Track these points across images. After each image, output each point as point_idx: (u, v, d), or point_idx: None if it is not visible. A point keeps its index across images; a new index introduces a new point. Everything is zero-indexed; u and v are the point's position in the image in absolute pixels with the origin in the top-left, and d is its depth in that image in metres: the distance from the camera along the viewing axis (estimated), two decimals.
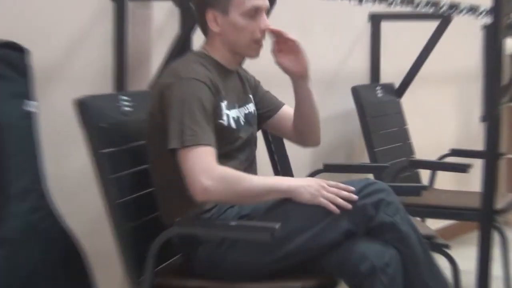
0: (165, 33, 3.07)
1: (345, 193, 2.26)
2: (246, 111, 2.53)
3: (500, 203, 3.46)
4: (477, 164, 4.16)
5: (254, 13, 2.41)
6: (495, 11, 2.15)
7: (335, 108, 3.97)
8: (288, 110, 2.68)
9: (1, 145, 2.45)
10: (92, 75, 2.88)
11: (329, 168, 3.48)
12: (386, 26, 4.19)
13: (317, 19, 3.80)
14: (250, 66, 2.71)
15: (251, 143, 2.56)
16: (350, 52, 4.08)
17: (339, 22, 3.95)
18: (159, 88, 2.36)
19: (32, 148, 2.55)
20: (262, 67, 2.79)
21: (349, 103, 3.86)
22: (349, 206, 2.24)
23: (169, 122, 2.26)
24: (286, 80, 2.59)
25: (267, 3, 2.45)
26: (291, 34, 2.50)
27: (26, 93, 2.54)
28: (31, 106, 2.55)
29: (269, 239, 2.12)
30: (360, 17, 4.11)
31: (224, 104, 2.39)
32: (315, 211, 2.27)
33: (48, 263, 2.53)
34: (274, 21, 3.19)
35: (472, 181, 4.60)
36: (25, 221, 2.49)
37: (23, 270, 2.45)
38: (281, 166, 2.99)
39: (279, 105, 2.69)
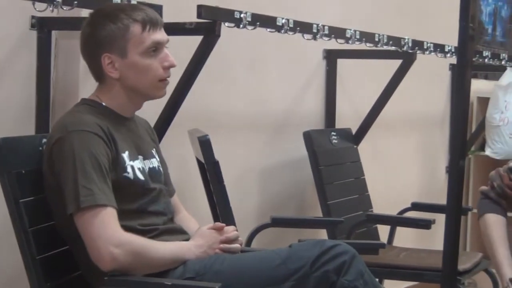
0: None
1: (230, 237, 2.46)
2: (150, 165, 2.51)
3: (465, 264, 3.49)
4: (441, 220, 4.18)
5: (155, 50, 2.42)
6: (462, 49, 2.14)
7: (285, 155, 3.96)
8: (176, 200, 2.70)
9: None
10: (12, 113, 2.84)
11: (278, 222, 3.46)
12: (343, 64, 4.21)
13: (268, 56, 3.82)
14: None
15: (167, 193, 2.57)
16: (303, 93, 4.08)
17: (291, 59, 3.96)
18: (47, 145, 2.35)
19: None
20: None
21: (301, 150, 3.85)
22: (238, 247, 2.47)
23: (62, 183, 2.26)
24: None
25: (166, 36, 2.46)
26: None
27: None
28: None
29: None
30: (314, 53, 4.12)
31: (125, 155, 2.38)
32: (269, 279, 2.27)
33: None
34: (220, 57, 3.18)
35: (435, 238, 4.64)
36: None
37: None
38: (224, 219, 2.92)
39: (172, 191, 2.69)
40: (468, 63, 2.13)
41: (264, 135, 3.85)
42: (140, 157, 2.46)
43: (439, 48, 4.37)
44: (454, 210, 2.22)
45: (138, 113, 2.57)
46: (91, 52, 2.44)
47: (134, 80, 2.42)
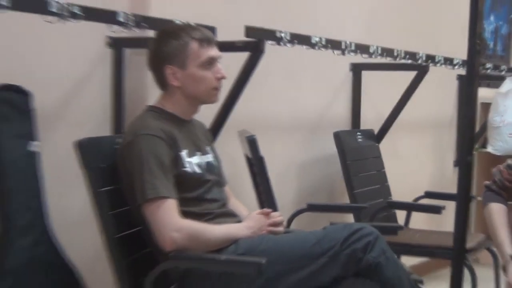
0: None
1: (276, 221, 2.45)
2: (207, 160, 2.51)
3: (470, 243, 3.45)
4: (450, 206, 4.14)
5: (210, 63, 2.43)
6: (469, 62, 2.12)
7: (318, 152, 3.95)
8: (228, 189, 2.67)
9: (6, 182, 2.44)
10: (92, 117, 2.86)
11: (312, 208, 3.48)
12: (366, 75, 4.19)
13: (303, 68, 3.81)
14: None
15: (221, 184, 2.57)
16: (333, 99, 4.07)
17: (324, 71, 3.95)
18: (120, 148, 2.37)
19: (35, 186, 2.53)
20: None
21: (332, 148, 3.84)
22: (280, 230, 2.44)
23: (132, 179, 2.28)
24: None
25: (219, 53, 2.47)
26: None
27: (29, 134, 2.54)
28: (34, 146, 2.54)
29: (255, 273, 2.17)
30: (343, 66, 4.11)
31: (184, 153, 2.39)
32: (306, 255, 2.27)
33: None
34: (265, 71, 3.18)
35: (445, 222, 4.58)
36: (28, 255, 2.46)
37: None
38: (268, 205, 2.92)
39: (224, 182, 2.66)
40: (476, 74, 2.11)
41: (300, 135, 3.85)
42: (198, 153, 2.47)
43: (449, 61, 4.34)
44: (463, 198, 2.20)
45: (195, 116, 2.58)
46: (156, 64, 2.46)
47: (192, 88, 2.44)
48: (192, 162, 2.41)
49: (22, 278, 2.41)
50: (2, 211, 2.44)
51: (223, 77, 2.47)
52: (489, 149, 4.91)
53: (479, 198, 4.80)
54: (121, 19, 2.67)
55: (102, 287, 2.71)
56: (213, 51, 2.44)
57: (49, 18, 2.44)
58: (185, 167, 2.37)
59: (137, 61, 2.91)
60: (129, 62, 2.92)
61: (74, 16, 2.48)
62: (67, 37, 2.69)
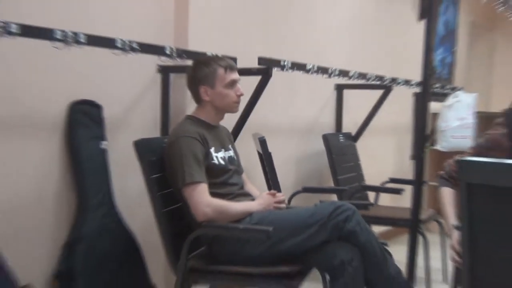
0: None
1: (279, 200, 2.44)
2: (229, 155, 2.49)
3: (423, 216, 3.45)
4: (408, 189, 4.13)
5: (232, 84, 2.42)
6: (423, 83, 2.12)
7: (311, 149, 3.94)
8: (244, 176, 2.64)
9: (84, 172, 2.47)
10: (146, 124, 2.86)
11: (306, 190, 3.47)
12: (346, 93, 4.18)
13: (300, 87, 3.80)
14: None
15: (239, 172, 2.55)
16: (322, 110, 4.06)
17: (315, 89, 3.94)
18: (166, 146, 2.36)
19: (105, 174, 2.56)
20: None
21: (321, 146, 3.83)
22: (283, 206, 2.45)
23: (174, 169, 2.28)
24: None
25: (239, 76, 2.46)
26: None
27: (101, 136, 2.56)
28: (104, 145, 2.56)
29: (265, 238, 2.16)
30: (329, 86, 4.10)
31: (212, 150, 2.38)
32: (302, 225, 2.26)
33: (115, 252, 2.52)
34: (272, 89, 3.19)
35: (404, 200, 4.56)
36: (99, 223, 2.49)
37: (97, 257, 2.44)
38: (274, 188, 2.92)
39: (242, 171, 2.63)
40: (427, 92, 2.11)
41: (297, 137, 3.85)
42: (223, 149, 2.46)
43: (407, 82, 4.33)
44: (418, 182, 2.20)
45: (221, 122, 2.58)
46: (193, 85, 2.45)
47: (219, 102, 2.43)
48: (218, 156, 2.40)
49: (94, 242, 2.42)
50: (80, 193, 2.46)
51: (241, 94, 2.46)
52: (437, 147, 4.89)
53: (430, 183, 4.84)
54: (168, 52, 2.69)
55: (153, 249, 2.72)
56: (235, 75, 2.44)
57: (115, 51, 2.46)
58: (213, 160, 2.36)
59: (179, 83, 2.91)
60: (173, 83, 2.92)
61: (133, 50, 2.49)
62: (128, 65, 2.70)
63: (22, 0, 2.27)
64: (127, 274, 2.55)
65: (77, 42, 2.24)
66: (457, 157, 2.37)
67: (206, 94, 2.41)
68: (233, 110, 2.48)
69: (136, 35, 2.66)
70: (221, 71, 2.40)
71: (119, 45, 2.43)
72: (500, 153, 2.21)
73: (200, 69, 2.41)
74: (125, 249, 2.57)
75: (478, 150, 2.27)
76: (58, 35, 2.18)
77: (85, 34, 2.27)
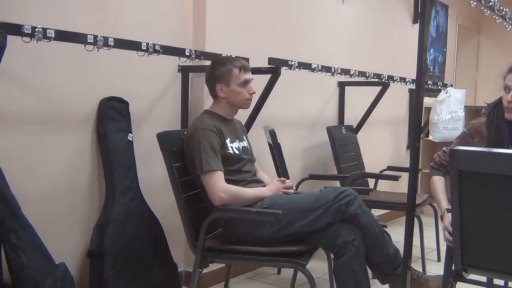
0: None
1: (288, 186, 2.42)
2: (242, 145, 2.48)
3: (418, 200, 3.42)
4: (404, 176, 4.14)
5: (245, 83, 2.40)
6: (418, 80, 2.10)
7: (316, 140, 3.92)
8: (256, 165, 2.61)
9: (112, 161, 2.46)
10: (168, 118, 2.86)
11: (312, 177, 3.44)
12: (348, 89, 4.16)
13: (306, 84, 3.78)
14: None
15: (252, 161, 2.53)
16: (326, 105, 4.04)
17: (319, 86, 3.92)
18: (186, 137, 2.35)
19: (131, 163, 2.56)
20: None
21: (325, 137, 3.82)
22: (291, 191, 2.41)
23: (193, 158, 2.27)
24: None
25: (252, 76, 2.44)
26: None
27: (127, 129, 2.56)
28: (130, 137, 2.55)
29: (275, 220, 2.15)
30: (332, 83, 4.07)
31: (228, 141, 2.36)
32: (308, 208, 2.25)
33: (140, 233, 2.53)
34: (281, 86, 3.18)
35: (401, 186, 4.57)
36: (126, 207, 2.49)
37: (125, 238, 2.45)
38: (283, 175, 2.93)
39: (254, 159, 2.61)
40: (421, 88, 2.09)
41: (304, 129, 3.84)
42: (237, 140, 2.44)
43: (403, 80, 4.29)
44: (413, 170, 2.18)
45: (235, 116, 2.56)
46: (210, 83, 2.44)
47: (233, 99, 2.41)
48: (233, 146, 2.39)
49: (122, 224, 2.43)
50: (110, 179, 2.47)
51: (253, 93, 2.45)
52: (430, 137, 4.86)
53: (424, 171, 4.83)
54: (187, 54, 2.68)
55: (174, 230, 2.75)
56: (248, 75, 2.42)
57: (140, 53, 2.46)
58: (228, 150, 2.35)
59: (197, 81, 2.92)
60: (192, 81, 2.92)
61: (156, 51, 2.50)
62: (151, 66, 2.71)
63: (67, 8, 2.29)
64: (151, 253, 2.56)
65: (107, 45, 2.25)
66: (445, 148, 2.37)
67: (222, 91, 2.40)
68: (245, 106, 2.46)
69: (159, 38, 2.67)
70: (236, 71, 2.39)
71: (143, 47, 2.43)
72: (482, 139, 2.21)
73: (217, 68, 2.40)
74: (149, 230, 2.57)
75: (464, 139, 2.26)
76: (90, 39, 2.19)
77: (114, 38, 2.28)
